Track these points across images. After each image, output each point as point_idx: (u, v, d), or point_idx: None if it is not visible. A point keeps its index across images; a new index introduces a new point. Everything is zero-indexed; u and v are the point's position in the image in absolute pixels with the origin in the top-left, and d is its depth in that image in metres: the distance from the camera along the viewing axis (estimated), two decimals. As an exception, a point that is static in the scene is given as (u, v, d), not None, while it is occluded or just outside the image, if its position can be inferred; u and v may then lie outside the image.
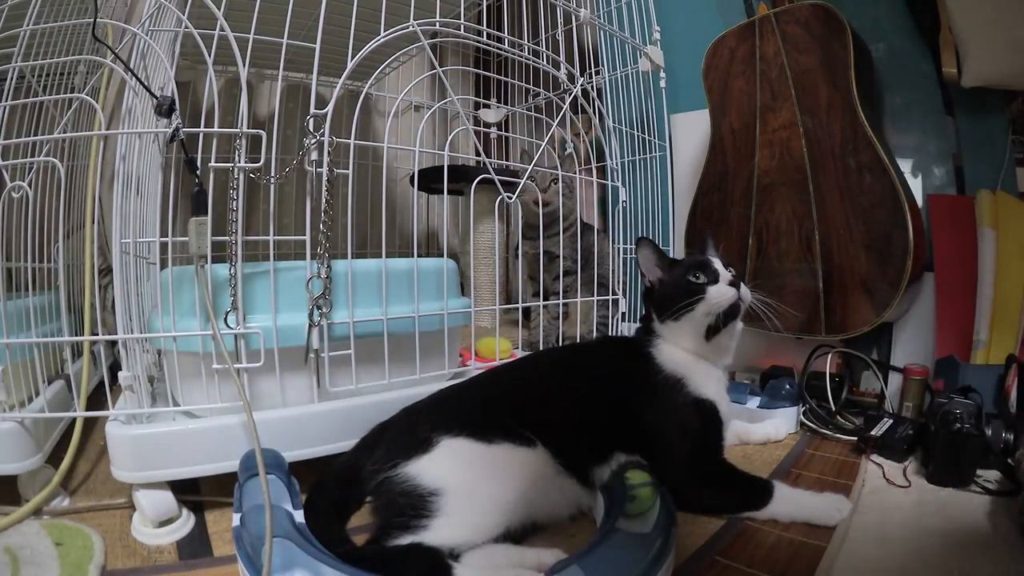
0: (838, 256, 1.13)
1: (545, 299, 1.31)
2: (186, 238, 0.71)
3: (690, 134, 1.52)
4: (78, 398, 0.83)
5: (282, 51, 0.75)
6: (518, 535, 0.66)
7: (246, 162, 0.71)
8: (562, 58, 1.13)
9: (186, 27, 0.73)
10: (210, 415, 0.74)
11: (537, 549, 0.62)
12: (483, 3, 1.43)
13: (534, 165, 1.14)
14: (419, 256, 0.88)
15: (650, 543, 0.58)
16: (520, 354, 1.16)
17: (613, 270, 1.31)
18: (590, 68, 1.44)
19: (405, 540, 0.58)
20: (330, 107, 0.75)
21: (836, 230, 1.13)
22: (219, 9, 0.71)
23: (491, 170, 1.01)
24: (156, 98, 0.69)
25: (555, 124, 1.11)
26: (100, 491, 0.80)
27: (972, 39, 1.05)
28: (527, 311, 1.39)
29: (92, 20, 0.74)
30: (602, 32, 1.40)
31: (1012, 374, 0.94)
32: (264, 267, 0.75)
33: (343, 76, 0.79)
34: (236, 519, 0.60)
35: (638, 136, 1.42)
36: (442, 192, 1.11)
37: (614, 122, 1.38)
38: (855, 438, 1.00)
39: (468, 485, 0.63)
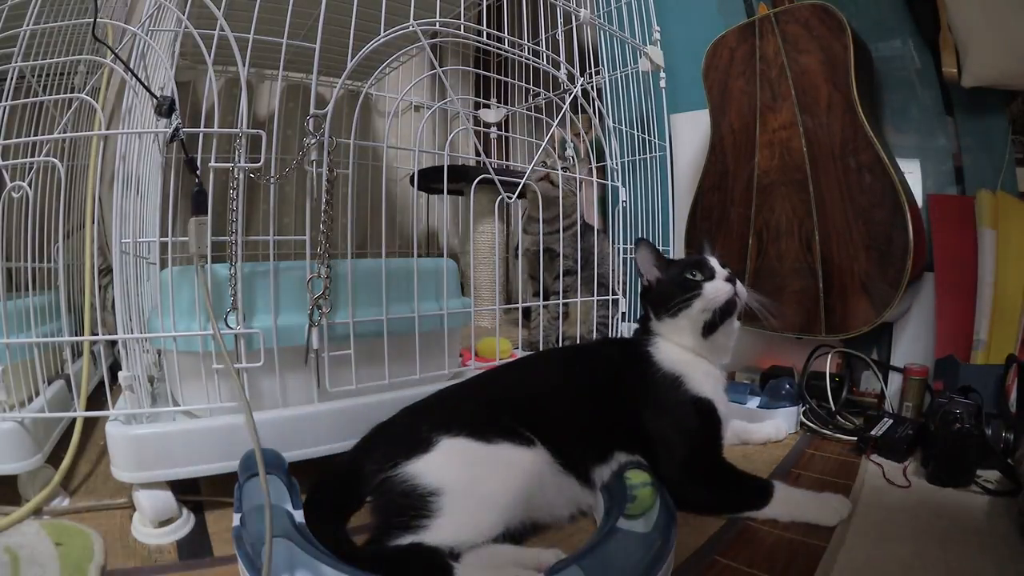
0: (838, 256, 1.13)
1: (545, 299, 1.31)
2: (186, 238, 0.71)
3: (690, 134, 1.52)
4: (78, 398, 0.83)
5: (282, 51, 0.75)
6: (518, 535, 0.66)
7: (246, 162, 0.71)
8: (562, 58, 1.13)
9: (186, 27, 0.73)
10: (210, 415, 0.74)
11: (537, 549, 0.62)
12: (483, 3, 1.42)
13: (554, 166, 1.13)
14: (419, 256, 0.88)
15: (650, 543, 0.58)
16: (520, 354, 1.16)
17: (613, 270, 1.31)
18: (590, 68, 1.44)
19: (405, 540, 0.58)
20: (330, 107, 0.75)
21: (836, 230, 1.13)
22: (219, 9, 0.71)
23: (491, 170, 1.01)
24: (156, 98, 0.69)
25: (555, 124, 1.11)
26: (100, 491, 0.80)
27: (972, 39, 1.06)
28: (527, 311, 1.39)
29: (92, 20, 0.74)
30: (602, 32, 1.40)
31: (1012, 374, 0.94)
32: (264, 267, 0.75)
33: (343, 76, 0.79)
34: (236, 519, 0.60)
35: (638, 136, 1.42)
36: (442, 192, 1.11)
37: (614, 122, 1.37)
38: (855, 438, 1.00)
39: (468, 485, 0.63)
